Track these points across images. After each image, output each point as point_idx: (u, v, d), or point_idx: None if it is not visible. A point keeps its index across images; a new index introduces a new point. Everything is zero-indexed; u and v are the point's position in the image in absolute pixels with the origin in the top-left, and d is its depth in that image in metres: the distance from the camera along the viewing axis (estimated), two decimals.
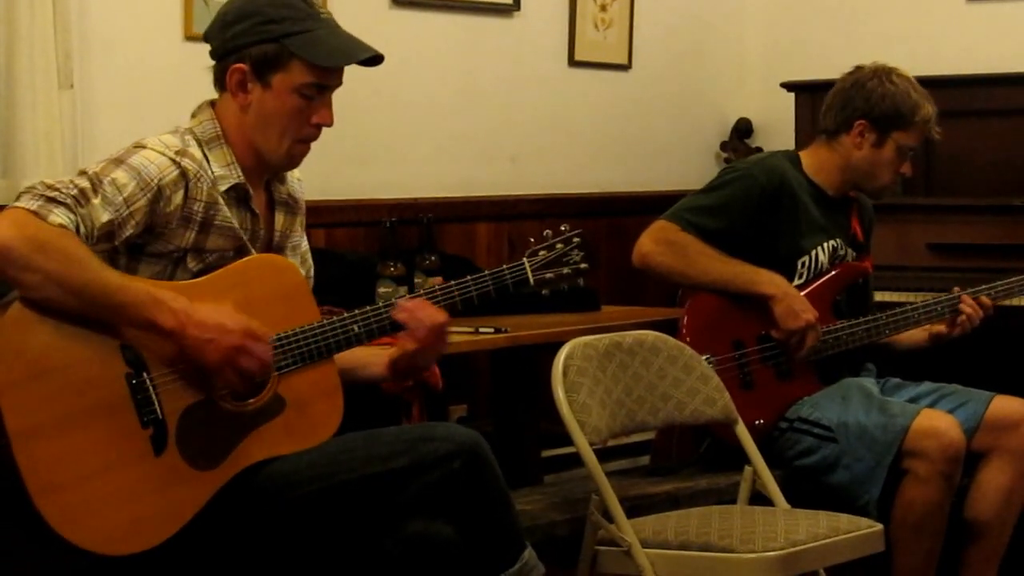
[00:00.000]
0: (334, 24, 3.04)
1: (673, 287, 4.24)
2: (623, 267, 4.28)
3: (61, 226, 2.71)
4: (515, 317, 4.26)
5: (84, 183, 2.78)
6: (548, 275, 3.12)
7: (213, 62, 3.03)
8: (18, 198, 2.75)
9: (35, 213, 2.71)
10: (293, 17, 2.97)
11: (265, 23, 2.95)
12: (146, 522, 2.75)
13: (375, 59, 3.02)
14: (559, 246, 3.14)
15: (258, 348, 2.81)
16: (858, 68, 4.20)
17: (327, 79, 2.99)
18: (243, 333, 2.79)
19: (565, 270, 3.13)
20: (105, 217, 2.78)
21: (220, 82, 3.01)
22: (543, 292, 3.14)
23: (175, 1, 4.44)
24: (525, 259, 3.11)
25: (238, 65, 2.96)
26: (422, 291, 3.06)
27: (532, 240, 3.15)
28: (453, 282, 3.06)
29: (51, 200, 2.73)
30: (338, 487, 2.86)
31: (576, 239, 3.15)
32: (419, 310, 3.01)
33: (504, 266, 3.10)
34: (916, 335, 4.23)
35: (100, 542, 2.71)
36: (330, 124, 3.02)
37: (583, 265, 3.15)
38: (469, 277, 3.07)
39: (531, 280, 3.11)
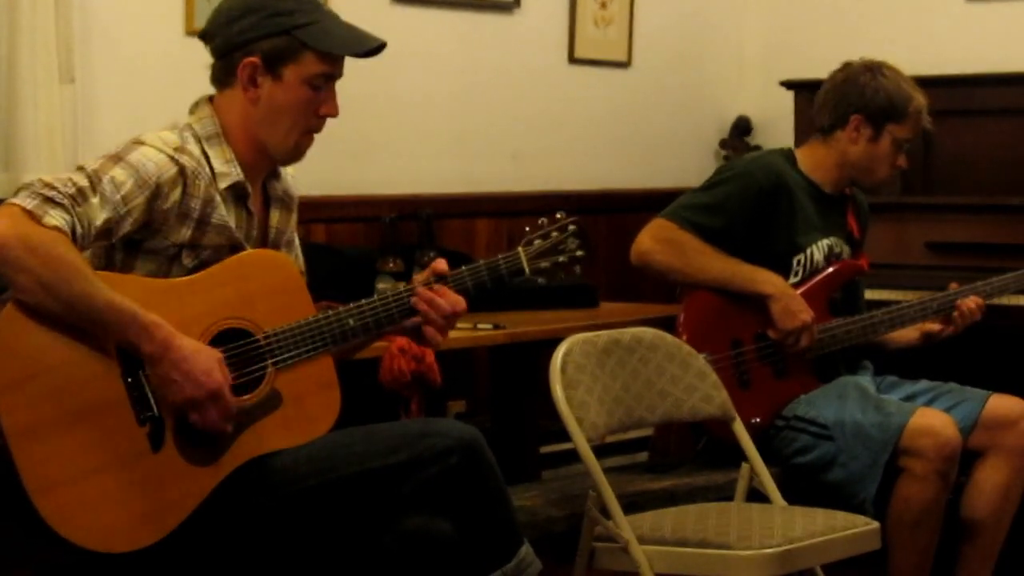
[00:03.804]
0: (335, 15, 3.06)
1: (672, 285, 4.25)
2: (622, 264, 4.28)
3: (56, 228, 2.71)
4: (514, 313, 4.27)
5: (83, 181, 2.78)
6: (544, 264, 3.10)
7: (213, 59, 3.03)
8: (16, 194, 2.75)
9: (31, 213, 2.70)
10: (300, 9, 2.98)
11: (273, 16, 2.96)
12: (145, 519, 2.75)
13: (378, 48, 3.03)
14: (555, 234, 3.12)
15: (212, 415, 2.79)
16: (847, 64, 4.21)
17: (336, 69, 3.00)
18: (208, 393, 2.78)
19: (561, 258, 3.11)
20: (103, 216, 2.78)
21: (221, 79, 3.01)
22: (539, 281, 3.12)
23: None
24: (520, 249, 3.10)
25: (249, 59, 2.96)
26: (417, 284, 3.05)
27: (527, 229, 3.12)
28: (448, 272, 3.06)
29: (48, 200, 2.72)
30: (336, 482, 2.87)
31: (572, 227, 3.13)
32: (439, 297, 3.00)
33: (499, 256, 3.08)
34: (908, 333, 4.24)
35: (98, 540, 2.71)
36: (336, 115, 3.03)
37: (579, 253, 3.12)
38: (464, 267, 3.06)
39: (527, 269, 3.09)
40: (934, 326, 4.19)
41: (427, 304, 3.00)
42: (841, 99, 4.14)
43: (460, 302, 3.02)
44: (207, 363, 2.79)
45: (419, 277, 3.06)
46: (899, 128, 4.12)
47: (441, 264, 3.05)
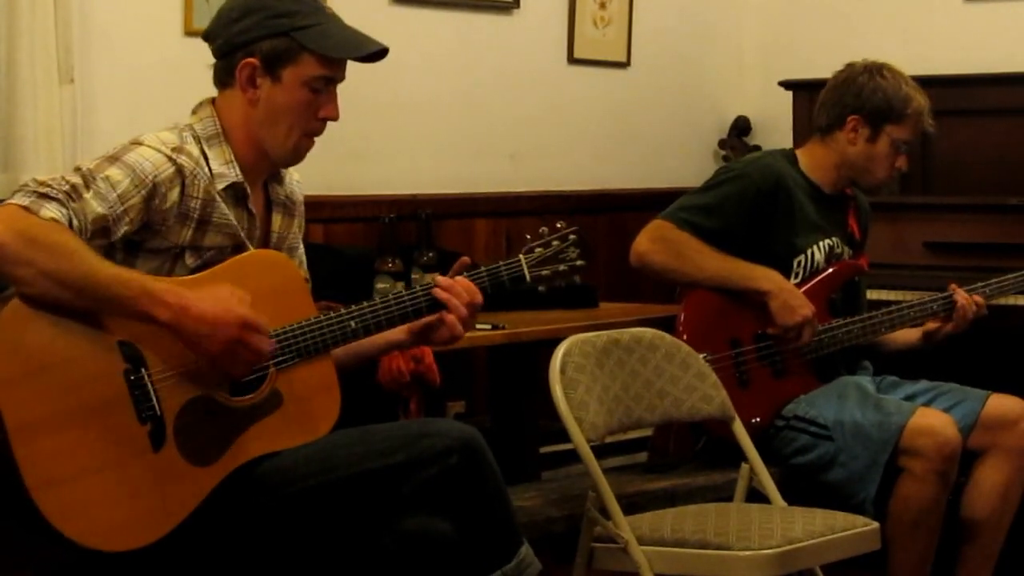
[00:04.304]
0: (338, 18, 3.05)
1: (671, 285, 4.25)
2: (621, 264, 4.29)
3: (53, 220, 2.71)
4: (513, 313, 4.27)
5: (76, 179, 2.78)
6: (544, 272, 3.12)
7: (215, 59, 3.03)
8: (11, 196, 2.75)
9: (27, 208, 2.71)
10: (300, 11, 2.98)
11: (274, 17, 2.96)
12: (144, 518, 2.75)
13: (379, 53, 3.04)
14: (555, 243, 3.13)
15: (254, 340, 2.81)
16: (849, 65, 4.22)
17: (336, 72, 3.01)
18: (240, 326, 2.79)
19: (562, 267, 3.13)
20: (99, 211, 2.77)
21: (222, 79, 3.01)
22: (539, 289, 3.14)
23: None
24: (521, 256, 3.11)
25: (248, 60, 2.96)
26: (418, 287, 3.06)
27: (528, 237, 3.14)
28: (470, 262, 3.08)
29: (43, 196, 2.73)
30: (335, 483, 2.87)
31: (572, 235, 3.14)
32: (459, 286, 3.03)
33: (500, 263, 3.10)
34: (909, 334, 4.24)
35: (98, 538, 2.71)
36: (336, 118, 3.03)
37: (579, 262, 3.14)
38: (465, 273, 3.07)
39: (528, 277, 3.10)
40: (934, 323, 4.19)
41: (447, 291, 3.01)
42: (839, 99, 4.15)
43: (477, 292, 3.04)
44: (224, 302, 2.79)
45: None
46: (897, 129, 4.13)
47: (464, 259, 3.10)
